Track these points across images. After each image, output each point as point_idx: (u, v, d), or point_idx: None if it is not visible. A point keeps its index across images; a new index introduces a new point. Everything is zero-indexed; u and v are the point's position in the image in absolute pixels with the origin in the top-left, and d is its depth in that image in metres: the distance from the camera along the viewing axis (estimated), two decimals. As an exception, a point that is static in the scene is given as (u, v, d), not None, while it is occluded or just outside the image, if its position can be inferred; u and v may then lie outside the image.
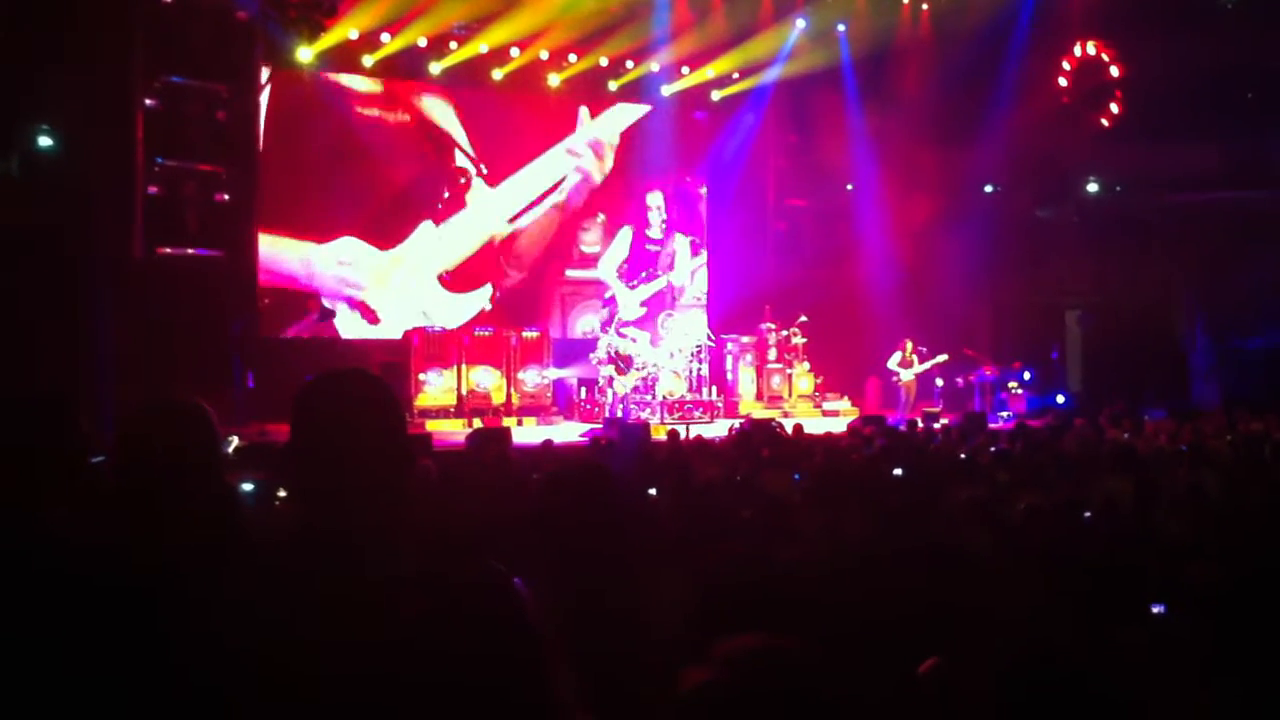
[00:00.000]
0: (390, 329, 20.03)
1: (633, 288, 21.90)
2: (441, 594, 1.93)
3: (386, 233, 20.27)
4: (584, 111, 22.24)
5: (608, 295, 21.77)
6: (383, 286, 20.24)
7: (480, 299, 21.29)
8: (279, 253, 19.23)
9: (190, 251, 17.70)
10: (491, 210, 21.27)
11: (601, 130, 22.45)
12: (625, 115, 22.63)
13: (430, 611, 1.90)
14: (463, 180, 21.05)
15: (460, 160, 21.05)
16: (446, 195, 20.85)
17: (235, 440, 10.80)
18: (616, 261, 22.33)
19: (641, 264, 22.55)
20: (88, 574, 2.64)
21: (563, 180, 21.95)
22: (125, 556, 2.71)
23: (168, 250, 17.45)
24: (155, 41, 17.02)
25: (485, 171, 21.23)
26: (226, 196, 18.02)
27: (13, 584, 2.63)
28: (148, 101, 17.15)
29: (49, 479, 3.14)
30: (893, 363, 20.63)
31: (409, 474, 2.48)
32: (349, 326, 19.90)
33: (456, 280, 21.16)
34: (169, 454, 2.85)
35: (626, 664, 2.74)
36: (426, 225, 20.62)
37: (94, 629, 2.47)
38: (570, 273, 22.28)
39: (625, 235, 22.51)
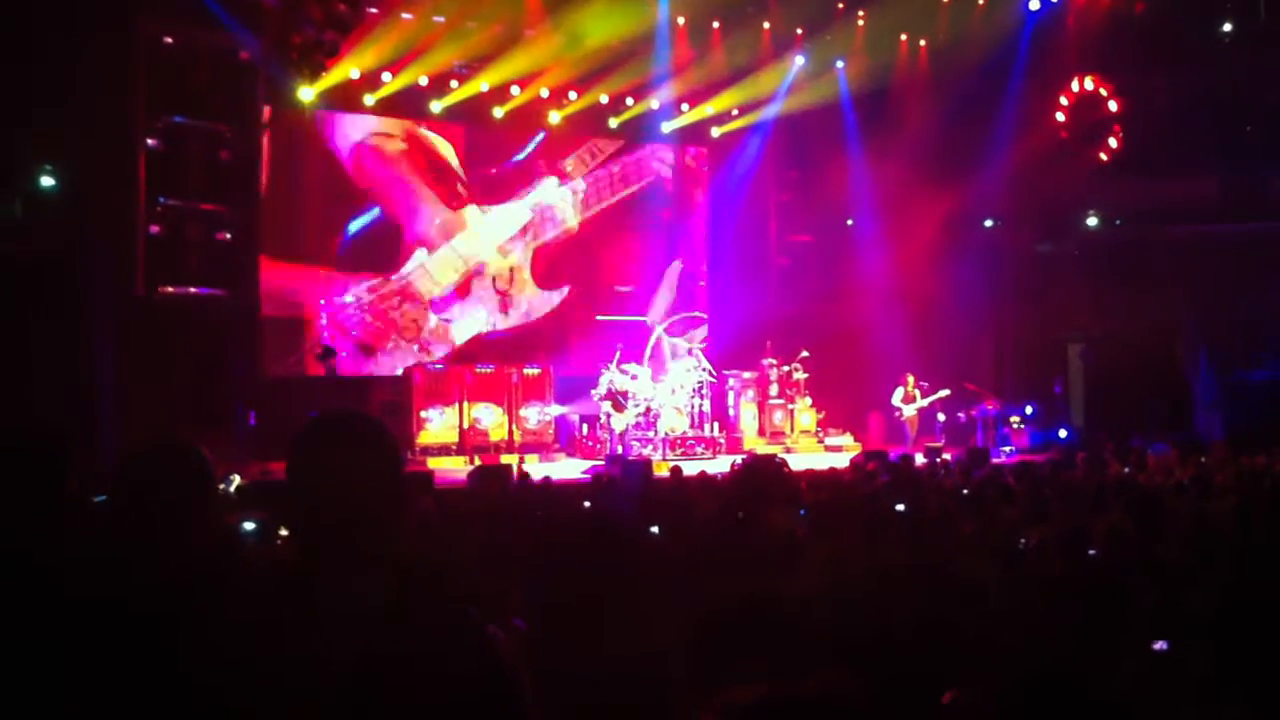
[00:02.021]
0: (389, 362, 20.27)
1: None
2: (415, 636, 1.92)
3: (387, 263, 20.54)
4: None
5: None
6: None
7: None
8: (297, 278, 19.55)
9: (192, 290, 17.77)
10: (484, 235, 21.43)
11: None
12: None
13: (402, 653, 1.89)
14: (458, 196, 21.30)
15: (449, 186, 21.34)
16: (438, 222, 20.95)
17: (237, 479, 10.77)
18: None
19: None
20: (82, 604, 2.65)
21: (551, 209, 22.14)
22: (119, 590, 2.72)
23: (170, 289, 17.52)
24: (157, 82, 17.16)
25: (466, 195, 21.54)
26: (229, 235, 18.10)
27: (9, 613, 2.65)
28: (150, 141, 17.26)
29: (40, 513, 3.17)
30: (896, 398, 20.64)
31: (402, 514, 2.48)
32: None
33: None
34: (165, 495, 2.85)
35: (627, 708, 2.71)
36: (420, 253, 20.76)
37: (87, 657, 2.49)
38: (601, 317, 22.36)
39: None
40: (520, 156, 21.74)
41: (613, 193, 22.70)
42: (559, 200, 22.12)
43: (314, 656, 2.12)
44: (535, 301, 21.77)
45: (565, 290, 22.02)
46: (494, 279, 21.30)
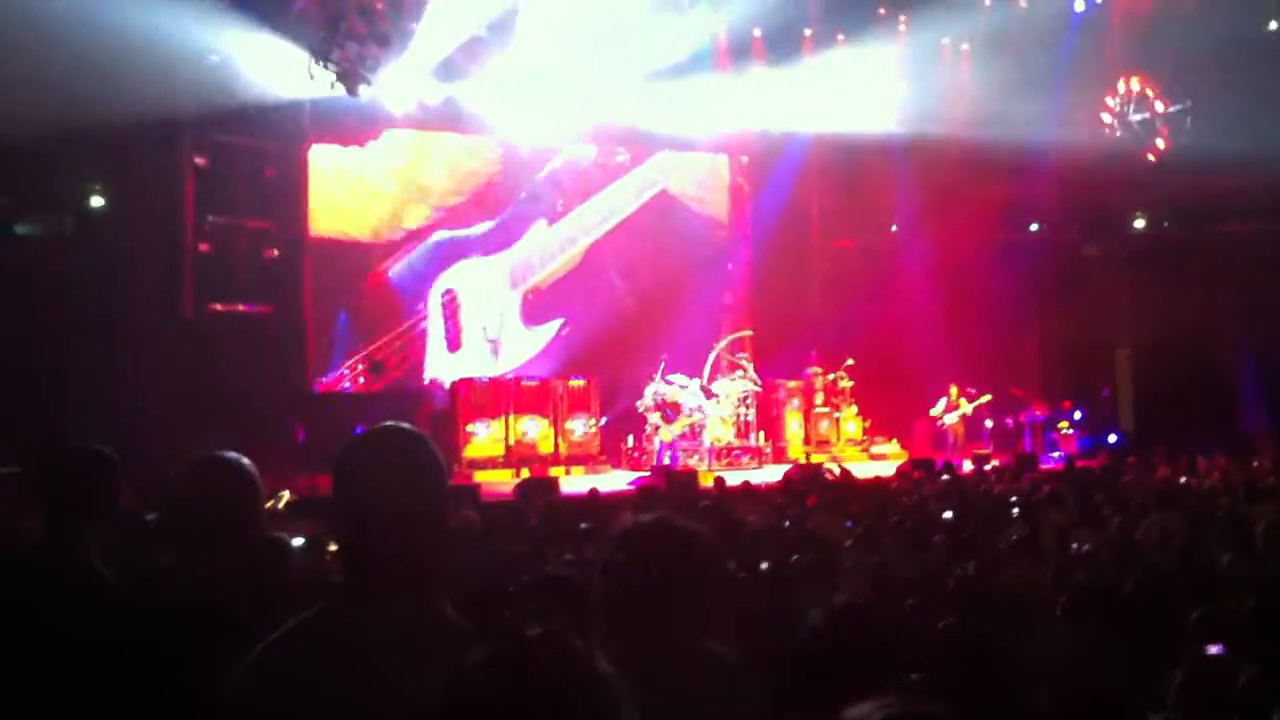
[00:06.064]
0: (463, 360, 20.63)
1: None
2: (490, 649, 1.80)
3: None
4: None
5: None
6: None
7: (548, 333, 21.63)
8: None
9: (241, 308, 17.96)
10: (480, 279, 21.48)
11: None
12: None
13: (476, 667, 1.77)
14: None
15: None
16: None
17: (286, 495, 10.87)
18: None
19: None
20: (134, 617, 2.70)
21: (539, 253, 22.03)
22: (171, 604, 2.76)
23: (219, 306, 17.71)
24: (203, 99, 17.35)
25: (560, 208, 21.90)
26: (275, 252, 18.29)
27: (65, 625, 2.71)
28: (198, 160, 17.44)
29: (93, 528, 3.24)
30: (938, 409, 20.54)
31: (447, 529, 2.48)
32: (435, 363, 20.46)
33: (533, 310, 21.57)
34: (214, 509, 2.89)
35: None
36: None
37: (134, 673, 2.53)
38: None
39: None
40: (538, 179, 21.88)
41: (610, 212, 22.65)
42: (546, 242, 21.96)
43: (370, 678, 2.13)
44: (523, 342, 21.47)
45: (557, 323, 21.71)
46: (484, 328, 21.16)
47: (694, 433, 19.43)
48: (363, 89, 17.20)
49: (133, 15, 14.48)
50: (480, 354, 21.01)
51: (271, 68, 17.28)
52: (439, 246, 20.66)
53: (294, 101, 18.05)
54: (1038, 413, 21.28)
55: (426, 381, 20.34)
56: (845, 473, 14.83)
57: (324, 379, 19.43)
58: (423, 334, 20.55)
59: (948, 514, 9.30)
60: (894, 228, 24.13)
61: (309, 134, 18.87)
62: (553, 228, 21.91)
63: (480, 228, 21.10)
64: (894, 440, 21.63)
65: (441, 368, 20.54)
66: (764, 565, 6.23)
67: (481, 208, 21.12)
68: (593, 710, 1.69)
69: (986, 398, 20.54)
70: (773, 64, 21.72)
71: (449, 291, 20.76)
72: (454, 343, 20.82)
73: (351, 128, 19.41)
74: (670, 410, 19.01)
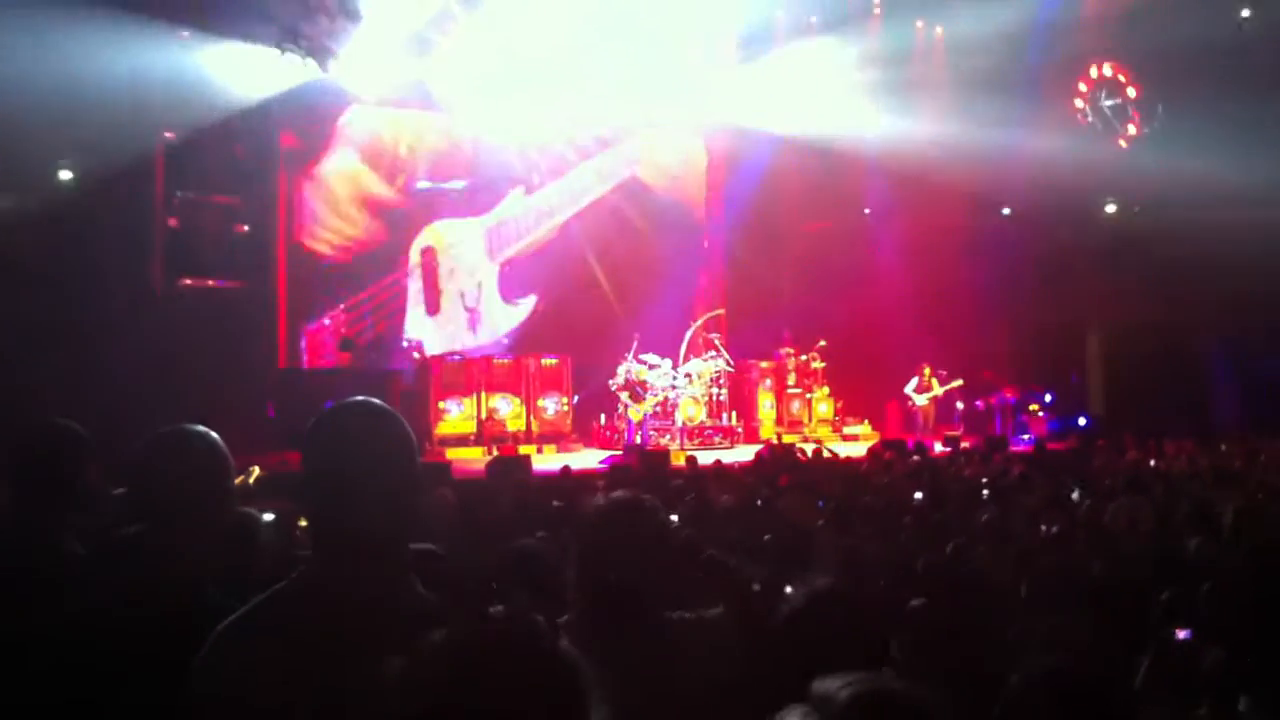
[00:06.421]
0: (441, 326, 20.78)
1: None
2: (461, 634, 1.78)
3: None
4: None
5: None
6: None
7: (524, 310, 21.69)
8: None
9: (210, 283, 17.84)
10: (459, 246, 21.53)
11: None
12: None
13: (438, 647, 1.75)
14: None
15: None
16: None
17: (256, 470, 10.80)
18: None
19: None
20: (105, 597, 2.67)
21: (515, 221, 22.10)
22: (141, 582, 2.73)
23: (188, 281, 17.60)
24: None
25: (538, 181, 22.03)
26: (246, 228, 18.16)
27: (35, 604, 2.68)
28: (166, 134, 17.29)
29: (62, 505, 3.21)
30: (910, 388, 20.60)
31: (419, 504, 2.46)
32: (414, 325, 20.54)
33: (509, 283, 21.64)
34: (183, 483, 2.85)
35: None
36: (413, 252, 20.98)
37: (102, 655, 2.50)
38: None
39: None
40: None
41: (587, 192, 22.74)
42: (525, 211, 22.06)
43: (337, 654, 2.11)
44: (499, 316, 21.62)
45: (532, 299, 21.87)
46: (462, 294, 21.29)
47: (667, 412, 19.43)
48: (335, 70, 17.10)
49: (102, 29, 14.52)
50: (458, 323, 21.11)
51: (241, 70, 17.18)
52: (421, 196, 20.87)
53: (264, 96, 17.91)
54: (1008, 395, 21.36)
55: (404, 344, 20.33)
56: (817, 452, 14.86)
57: (309, 326, 19.50)
58: (403, 291, 20.65)
59: (918, 495, 9.33)
60: (866, 211, 24.14)
61: (279, 116, 18.74)
62: (530, 197, 21.99)
63: (458, 183, 21.20)
64: (865, 421, 21.70)
65: (421, 330, 20.63)
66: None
67: (457, 177, 21.23)
68: (555, 692, 1.69)
69: (958, 382, 20.63)
70: (747, 54, 21.72)
71: (428, 249, 20.85)
72: (433, 306, 20.90)
73: (322, 110, 19.35)
74: (640, 389, 19.00)
